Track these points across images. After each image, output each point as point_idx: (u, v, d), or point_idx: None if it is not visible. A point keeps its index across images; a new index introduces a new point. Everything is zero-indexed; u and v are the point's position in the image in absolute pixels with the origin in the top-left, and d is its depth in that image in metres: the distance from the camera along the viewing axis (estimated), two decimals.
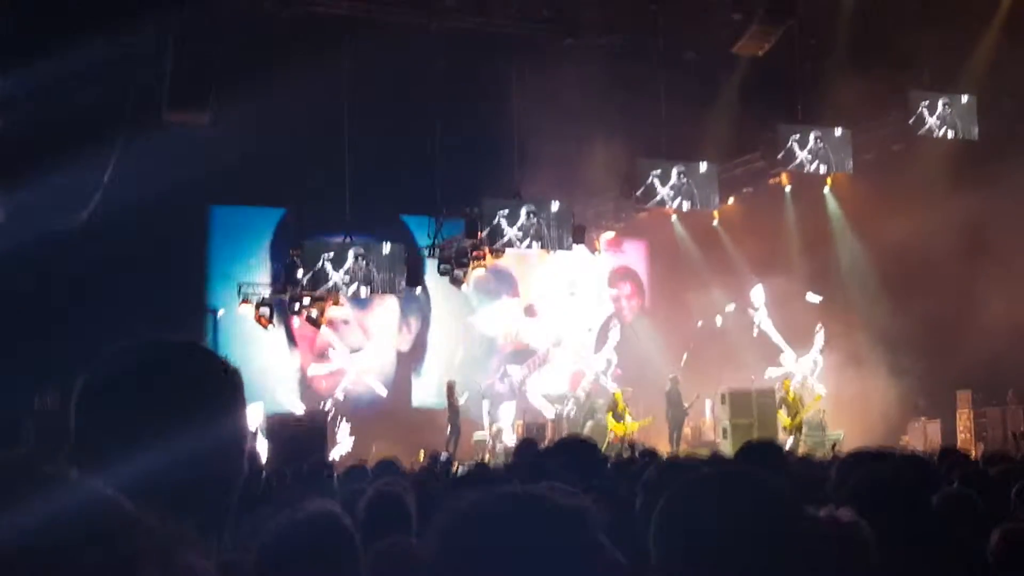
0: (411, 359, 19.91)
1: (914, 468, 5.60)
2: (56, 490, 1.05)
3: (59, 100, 13.08)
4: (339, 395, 18.79)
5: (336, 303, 17.47)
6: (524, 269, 19.61)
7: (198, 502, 1.62)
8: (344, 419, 18.15)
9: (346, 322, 18.92)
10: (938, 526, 3.39)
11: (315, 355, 18.89)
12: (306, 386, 18.70)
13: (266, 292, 17.14)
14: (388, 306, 18.79)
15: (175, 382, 1.65)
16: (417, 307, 19.67)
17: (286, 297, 16.89)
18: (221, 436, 1.66)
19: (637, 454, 9.88)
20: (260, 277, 17.56)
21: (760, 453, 4.88)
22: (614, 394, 18.53)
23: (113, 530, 1.07)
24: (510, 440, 17.65)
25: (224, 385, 1.71)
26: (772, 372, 20.10)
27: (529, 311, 20.44)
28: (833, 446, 16.18)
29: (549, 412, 18.79)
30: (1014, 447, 14.88)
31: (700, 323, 21.55)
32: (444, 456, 13.95)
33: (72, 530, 1.03)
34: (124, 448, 1.56)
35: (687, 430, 19.39)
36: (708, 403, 19.56)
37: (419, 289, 18.20)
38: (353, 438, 18.02)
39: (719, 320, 21.58)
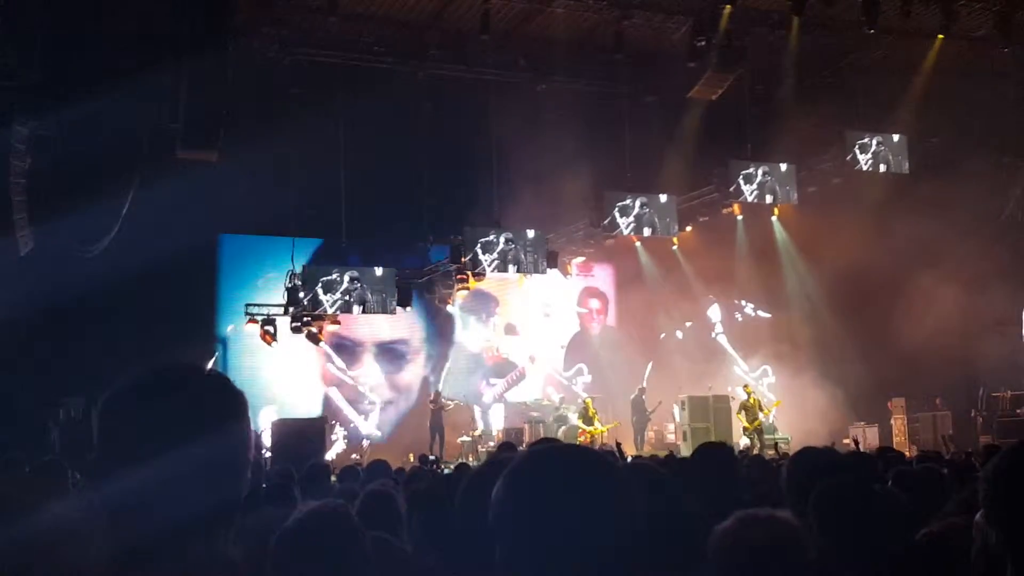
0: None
1: (858, 465, 5.64)
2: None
3: (84, 140, 13.03)
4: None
5: (335, 322, 17.41)
6: (504, 291, 19.57)
7: (206, 504, 1.64)
8: (338, 424, 18.17)
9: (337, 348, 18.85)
10: (874, 518, 3.39)
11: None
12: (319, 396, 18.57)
13: (273, 311, 17.05)
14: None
15: (186, 401, 1.69)
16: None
17: (289, 317, 16.81)
18: (225, 447, 1.69)
19: (621, 452, 9.92)
20: (265, 299, 17.46)
21: (713, 453, 4.89)
22: (584, 401, 18.53)
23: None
24: (492, 443, 17.63)
25: (228, 403, 1.74)
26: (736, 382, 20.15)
27: (509, 329, 20.42)
28: (775, 446, 16.21)
29: (525, 418, 18.73)
30: (944, 448, 14.93)
31: (663, 336, 21.62)
32: (432, 457, 13.91)
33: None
34: (140, 456, 1.58)
35: (651, 434, 19.45)
36: (676, 409, 19.55)
37: (408, 308, 18.10)
38: (346, 440, 18.04)
39: (679, 335, 21.65)
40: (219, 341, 17.79)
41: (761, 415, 18.21)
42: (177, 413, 1.67)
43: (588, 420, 18.03)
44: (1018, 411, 18.00)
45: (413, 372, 19.50)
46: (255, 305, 17.30)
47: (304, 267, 16.89)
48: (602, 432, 17.82)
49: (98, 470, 1.63)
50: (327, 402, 18.68)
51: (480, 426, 18.96)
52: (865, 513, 3.24)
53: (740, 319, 21.80)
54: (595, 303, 21.81)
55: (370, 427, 18.67)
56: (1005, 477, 1.90)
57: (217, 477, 1.67)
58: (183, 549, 1.63)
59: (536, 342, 20.57)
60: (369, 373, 19.06)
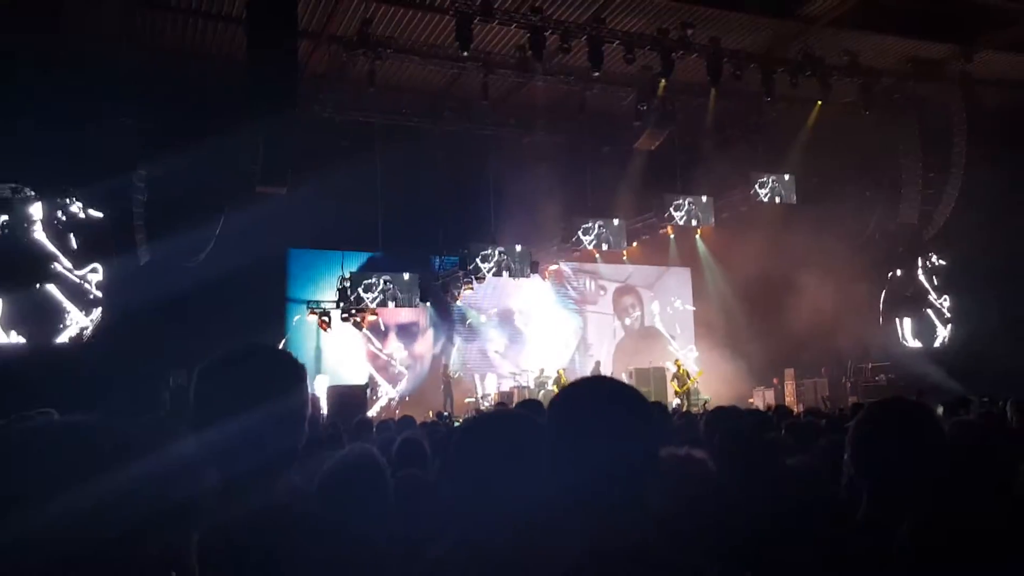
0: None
1: (758, 417, 5.63)
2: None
3: (186, 179, 12.98)
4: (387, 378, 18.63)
5: (373, 313, 17.37)
6: (498, 290, 19.51)
7: (276, 448, 1.63)
8: (379, 389, 18.12)
9: (380, 325, 18.70)
10: (768, 455, 3.40)
11: (376, 364, 18.56)
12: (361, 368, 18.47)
13: (328, 306, 17.00)
14: (404, 314, 18.58)
15: (259, 368, 1.69)
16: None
17: (339, 311, 16.77)
18: (290, 404, 1.69)
19: None
20: (322, 296, 17.40)
21: (655, 408, 4.88)
22: (558, 371, 18.49)
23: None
24: (490, 402, 17.63)
25: (291, 372, 1.73)
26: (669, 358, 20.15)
27: (503, 317, 20.36)
28: (704, 404, 16.21)
29: (514, 384, 18.68)
30: (822, 406, 14.96)
31: (617, 323, 21.61)
32: (445, 414, 13.87)
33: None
34: (226, 413, 1.57)
35: None
36: (624, 377, 19.55)
37: (428, 304, 18.06)
38: (385, 401, 17.98)
39: (627, 321, 21.66)
40: (287, 328, 17.69)
41: (688, 382, 18.20)
42: (253, 378, 1.68)
43: (561, 386, 18.01)
44: (877, 377, 18.07)
45: (422, 345, 19.37)
46: (314, 301, 17.22)
47: (351, 273, 16.89)
48: None
49: (196, 423, 1.61)
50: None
51: (479, 390, 18.88)
52: (749, 446, 3.28)
53: (671, 311, 21.78)
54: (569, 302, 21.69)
55: (395, 392, 18.52)
56: (861, 427, 1.91)
57: (284, 427, 1.67)
58: (261, 481, 1.61)
59: (523, 327, 20.39)
60: (394, 348, 18.94)
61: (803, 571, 2.05)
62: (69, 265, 14.17)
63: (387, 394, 18.40)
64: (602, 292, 21.43)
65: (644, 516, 1.46)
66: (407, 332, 19.14)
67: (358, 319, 16.83)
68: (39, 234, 14.07)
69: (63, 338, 14.04)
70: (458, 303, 18.99)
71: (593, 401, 1.52)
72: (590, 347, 20.87)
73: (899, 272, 19.46)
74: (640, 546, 1.38)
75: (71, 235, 14.26)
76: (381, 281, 16.73)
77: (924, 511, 1.77)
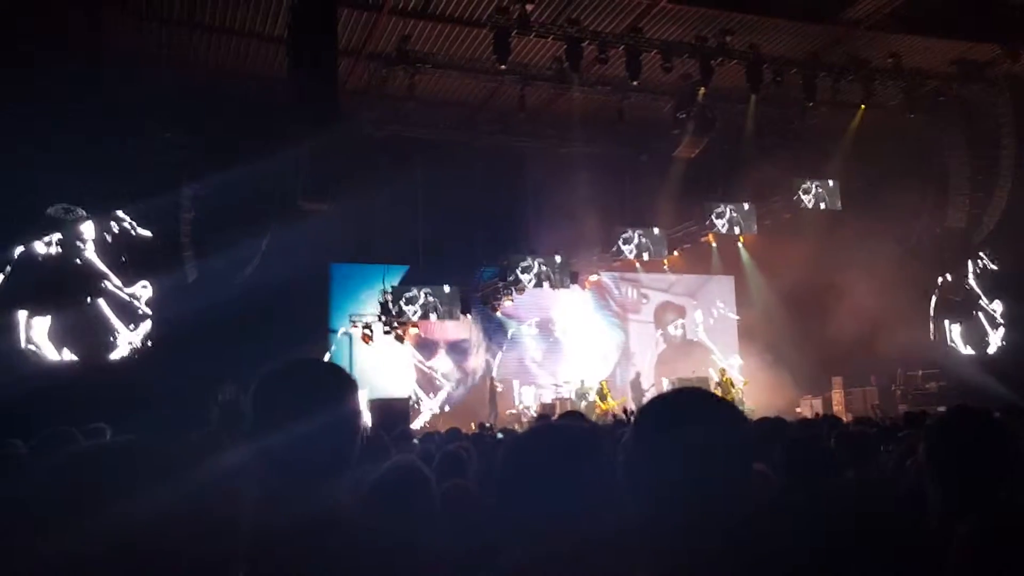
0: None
1: (813, 430, 5.55)
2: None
3: (232, 195, 13.22)
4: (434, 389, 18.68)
5: (415, 326, 17.48)
6: (537, 300, 19.39)
7: (330, 456, 1.65)
8: (422, 403, 18.14)
9: (425, 336, 18.74)
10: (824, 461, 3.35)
11: (420, 377, 18.66)
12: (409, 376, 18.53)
13: (370, 319, 17.12)
14: (445, 325, 18.60)
15: (313, 382, 1.71)
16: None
17: (381, 324, 16.89)
18: (343, 416, 1.71)
19: (629, 416, 9.79)
20: (364, 310, 17.54)
21: None
22: (601, 382, 18.39)
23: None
24: (532, 413, 17.60)
25: (344, 385, 1.76)
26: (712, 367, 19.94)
27: (543, 326, 20.23)
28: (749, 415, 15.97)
29: (556, 395, 18.61)
30: (873, 414, 14.67)
31: (659, 333, 21.40)
32: (488, 424, 13.88)
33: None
34: (283, 421, 1.59)
35: None
36: (667, 385, 19.38)
37: (469, 315, 18.07)
38: (431, 413, 18.00)
39: (671, 330, 21.45)
40: (331, 342, 17.85)
41: (732, 391, 17.98)
42: (308, 391, 1.70)
43: (603, 397, 17.90)
44: (927, 385, 17.66)
45: (475, 361, 19.35)
46: (357, 315, 17.36)
47: (392, 287, 17.01)
48: (613, 406, 17.67)
49: (253, 432, 1.64)
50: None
51: (517, 400, 18.79)
52: (815, 459, 3.23)
53: (714, 320, 21.55)
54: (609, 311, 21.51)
55: (434, 404, 18.48)
56: (939, 429, 1.89)
57: (338, 435, 1.69)
58: (315, 488, 1.64)
59: (565, 337, 20.23)
60: (442, 363, 18.96)
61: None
62: (119, 283, 14.49)
63: (429, 408, 18.44)
64: (644, 300, 21.24)
65: (722, 538, 1.38)
66: (455, 346, 19.20)
67: (400, 332, 16.95)
68: (90, 253, 14.42)
69: (114, 355, 14.34)
70: (498, 314, 19.01)
71: (689, 415, 1.41)
72: (632, 355, 20.70)
73: (948, 277, 19.03)
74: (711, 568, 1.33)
75: (121, 253, 14.59)
76: (422, 294, 16.84)
77: (986, 514, 1.73)
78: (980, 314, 18.96)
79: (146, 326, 14.62)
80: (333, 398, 1.71)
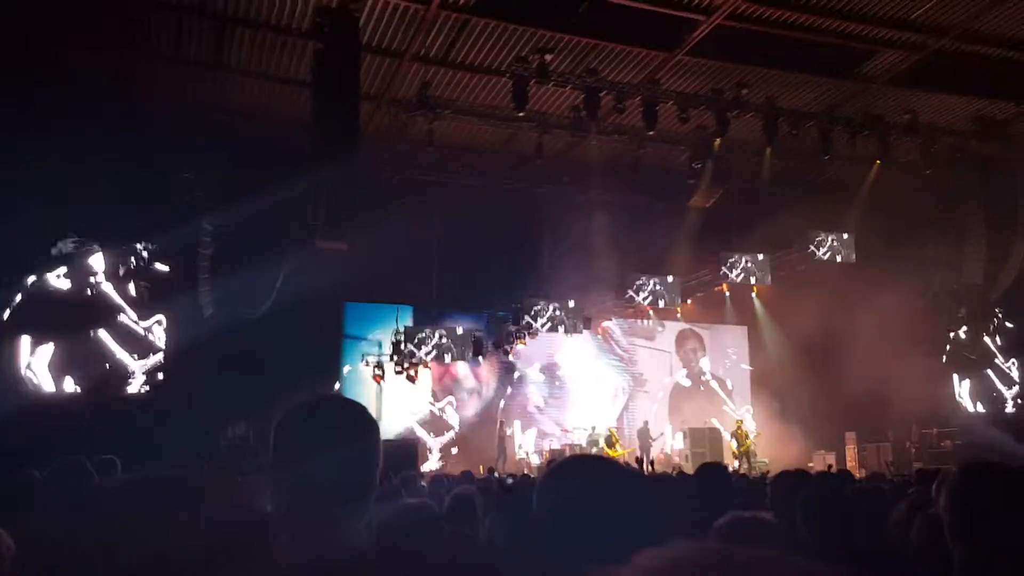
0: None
1: (835, 480, 5.54)
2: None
3: (249, 232, 13.41)
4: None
5: (426, 367, 17.51)
6: (545, 344, 19.34)
7: (350, 492, 1.69)
8: (431, 447, 18.05)
9: (438, 377, 18.72)
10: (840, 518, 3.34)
11: (431, 422, 18.61)
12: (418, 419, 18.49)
13: (382, 359, 17.18)
14: (457, 368, 18.60)
15: (339, 419, 1.76)
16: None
17: (393, 364, 16.93)
18: (366, 453, 1.75)
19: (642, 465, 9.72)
20: (375, 349, 17.61)
21: (712, 470, 4.85)
22: (610, 429, 18.29)
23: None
24: (537, 460, 17.53)
25: (365, 422, 1.80)
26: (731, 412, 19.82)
27: (548, 370, 20.15)
28: (762, 469, 15.80)
29: (566, 441, 18.51)
30: (886, 470, 14.50)
31: (674, 360, 21.29)
32: (496, 473, 13.81)
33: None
34: (304, 457, 1.64)
35: (661, 455, 19.07)
36: (679, 436, 19.25)
37: (481, 358, 18.09)
38: (440, 455, 17.89)
39: (691, 366, 21.37)
40: (340, 379, 17.89)
41: (747, 443, 17.86)
42: (331, 427, 1.74)
43: (611, 444, 17.79)
44: (942, 443, 17.45)
45: (483, 404, 19.31)
46: (369, 354, 17.43)
47: (405, 327, 17.09)
48: (622, 454, 17.56)
49: (277, 466, 1.68)
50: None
51: (520, 447, 18.67)
52: (838, 513, 3.20)
53: (726, 370, 21.45)
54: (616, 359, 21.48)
55: (437, 444, 18.36)
56: (963, 488, 1.91)
57: (359, 472, 1.73)
58: (335, 525, 1.67)
59: (575, 384, 20.20)
60: (449, 405, 18.93)
61: None
62: (135, 316, 14.66)
63: (434, 448, 18.36)
64: (660, 328, 21.12)
65: None
66: (464, 388, 19.19)
67: (411, 372, 16.98)
68: (106, 286, 14.61)
69: (125, 389, 14.43)
70: (510, 357, 19.02)
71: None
72: (646, 383, 20.61)
73: (961, 333, 18.92)
74: None
75: (137, 286, 14.77)
76: (435, 335, 16.91)
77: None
78: (993, 372, 18.79)
79: (156, 359, 14.73)
80: (354, 436, 1.76)
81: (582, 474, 1.68)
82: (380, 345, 17.68)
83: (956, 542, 1.89)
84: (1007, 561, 1.80)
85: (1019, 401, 18.38)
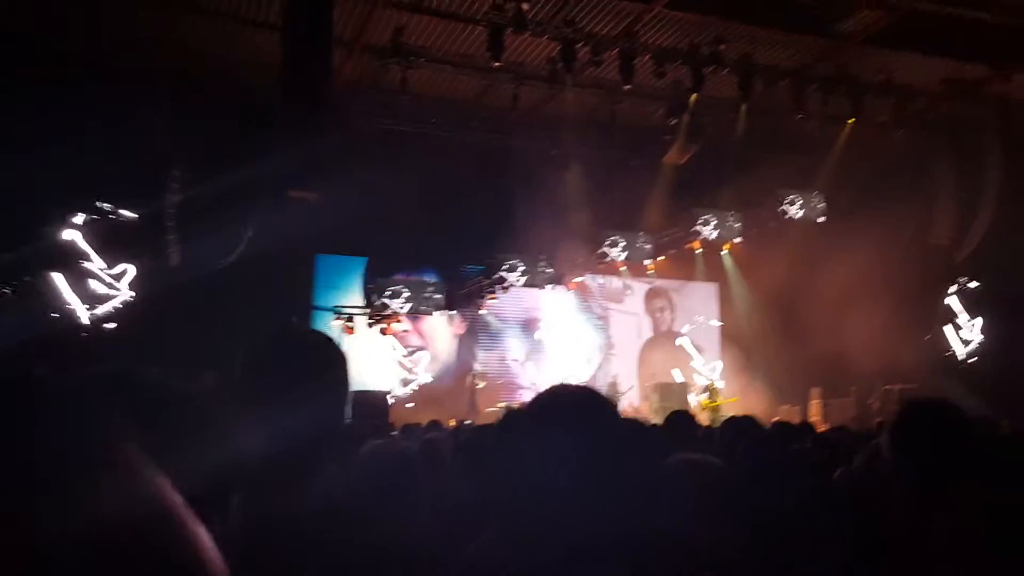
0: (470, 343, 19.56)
1: (785, 432, 5.65)
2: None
3: (220, 180, 13.19)
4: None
5: (398, 321, 17.48)
6: (520, 299, 19.43)
7: (318, 425, 1.66)
8: (402, 399, 18.08)
9: (407, 331, 18.69)
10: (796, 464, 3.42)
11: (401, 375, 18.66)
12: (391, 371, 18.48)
13: (353, 311, 17.13)
14: (428, 320, 18.60)
15: (307, 348, 1.72)
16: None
17: (366, 316, 16.90)
18: (337, 389, 1.72)
19: None
20: (348, 302, 17.54)
21: (680, 419, 4.93)
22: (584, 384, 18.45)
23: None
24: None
25: (333, 351, 1.77)
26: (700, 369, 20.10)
27: (526, 326, 20.27)
28: (714, 422, 16.11)
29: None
30: (849, 424, 14.80)
31: (643, 322, 21.48)
32: (468, 422, 13.93)
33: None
34: (271, 388, 1.61)
35: (629, 409, 19.26)
36: (636, 391, 19.55)
37: (453, 312, 18.11)
38: (411, 407, 17.91)
39: (659, 325, 21.58)
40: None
41: (718, 399, 18.17)
42: (298, 357, 1.70)
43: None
44: (905, 398, 17.85)
45: (455, 358, 19.36)
46: (340, 307, 17.36)
47: (377, 280, 17.04)
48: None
49: (243, 393, 1.65)
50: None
51: (502, 403, 18.81)
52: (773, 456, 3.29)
53: (696, 326, 21.65)
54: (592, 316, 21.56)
55: (403, 392, 18.29)
56: (901, 419, 1.96)
57: (327, 403, 1.70)
58: (303, 459, 1.63)
59: (545, 336, 20.28)
60: (421, 358, 18.94)
61: (838, 568, 2.09)
62: (103, 264, 14.42)
63: (405, 401, 18.41)
64: (628, 291, 21.26)
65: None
66: (436, 342, 19.21)
67: (383, 325, 16.97)
68: (71, 232, 14.32)
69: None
70: (481, 312, 19.04)
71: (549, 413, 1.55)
72: (614, 347, 20.79)
73: (930, 292, 19.27)
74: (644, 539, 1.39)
75: (103, 234, 14.50)
76: (406, 288, 16.86)
77: (967, 504, 1.80)
78: (955, 331, 19.21)
79: (112, 304, 14.41)
80: (328, 369, 1.73)
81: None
82: (356, 297, 17.61)
83: (897, 477, 1.94)
84: (940, 487, 1.85)
85: (978, 357, 18.82)
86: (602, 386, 19.51)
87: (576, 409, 1.53)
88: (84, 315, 14.25)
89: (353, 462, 2.82)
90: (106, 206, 14.49)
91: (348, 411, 1.83)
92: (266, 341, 1.78)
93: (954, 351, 19.05)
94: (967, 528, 1.76)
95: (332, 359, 1.79)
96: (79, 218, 14.34)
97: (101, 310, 14.39)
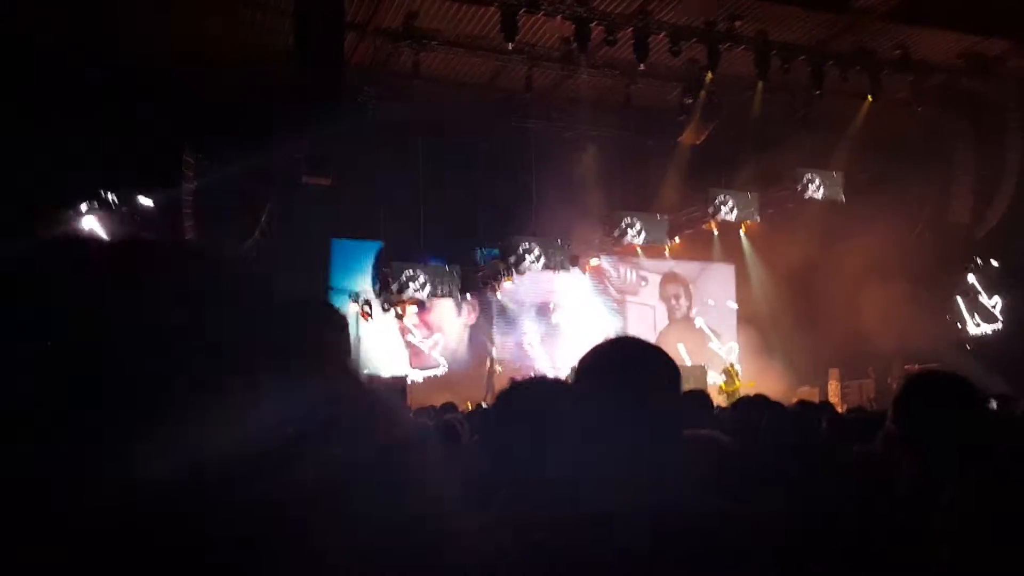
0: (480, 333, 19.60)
1: (802, 412, 5.64)
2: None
3: (235, 165, 13.26)
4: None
5: (413, 304, 17.56)
6: (536, 283, 19.34)
7: (321, 396, 1.64)
8: (420, 384, 18.16)
9: (415, 325, 18.78)
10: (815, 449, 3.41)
11: (418, 360, 18.78)
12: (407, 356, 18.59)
13: (369, 296, 17.21)
14: (443, 305, 18.66)
15: (309, 313, 1.72)
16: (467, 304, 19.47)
17: (381, 300, 16.98)
18: (337, 350, 1.71)
19: None
20: (364, 287, 17.62)
21: (696, 396, 4.92)
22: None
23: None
24: None
25: (338, 318, 1.77)
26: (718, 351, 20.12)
27: (542, 310, 20.24)
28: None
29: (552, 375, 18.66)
30: (869, 406, 14.74)
31: (658, 314, 21.43)
32: (484, 405, 13.97)
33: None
34: (276, 360, 1.60)
35: None
36: None
37: (469, 295, 18.15)
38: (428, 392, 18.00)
39: (674, 313, 21.51)
40: None
41: (736, 383, 18.14)
42: (302, 321, 1.70)
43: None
44: None
45: (473, 342, 19.41)
46: (355, 292, 17.46)
47: (392, 264, 17.06)
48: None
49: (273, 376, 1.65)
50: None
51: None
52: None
53: (713, 306, 21.57)
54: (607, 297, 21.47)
55: (421, 376, 18.38)
56: (908, 392, 1.95)
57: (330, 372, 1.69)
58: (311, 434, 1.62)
59: (562, 318, 20.25)
60: (438, 342, 19.01)
61: (843, 547, 2.08)
62: None
63: (423, 386, 18.48)
64: (643, 283, 21.21)
65: (669, 483, 1.47)
66: (453, 325, 19.25)
67: (399, 309, 17.04)
68: (89, 220, 14.44)
69: None
70: (497, 295, 19.06)
71: (617, 365, 1.55)
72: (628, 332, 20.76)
73: (950, 271, 19.09)
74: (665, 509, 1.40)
75: (120, 222, 14.61)
76: (422, 272, 16.89)
77: (969, 478, 1.78)
78: (976, 308, 19.02)
79: None
80: (326, 333, 1.73)
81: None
82: (371, 281, 17.67)
83: (904, 453, 1.93)
84: (946, 461, 1.83)
85: (999, 334, 18.62)
86: None
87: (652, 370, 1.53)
88: None
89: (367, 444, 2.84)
90: (123, 194, 14.58)
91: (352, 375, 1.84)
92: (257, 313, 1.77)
93: (967, 329, 18.88)
94: (965, 504, 1.75)
95: (337, 322, 1.80)
96: (94, 206, 14.44)
97: None
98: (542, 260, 17.22)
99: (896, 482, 1.96)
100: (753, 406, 5.06)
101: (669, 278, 21.38)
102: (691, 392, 5.33)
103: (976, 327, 18.82)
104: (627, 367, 1.50)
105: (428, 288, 16.85)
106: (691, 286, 21.49)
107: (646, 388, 1.46)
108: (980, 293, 19.04)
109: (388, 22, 14.11)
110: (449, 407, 7.36)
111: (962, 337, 18.79)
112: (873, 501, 2.06)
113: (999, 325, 18.69)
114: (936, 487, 1.83)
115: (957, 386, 1.96)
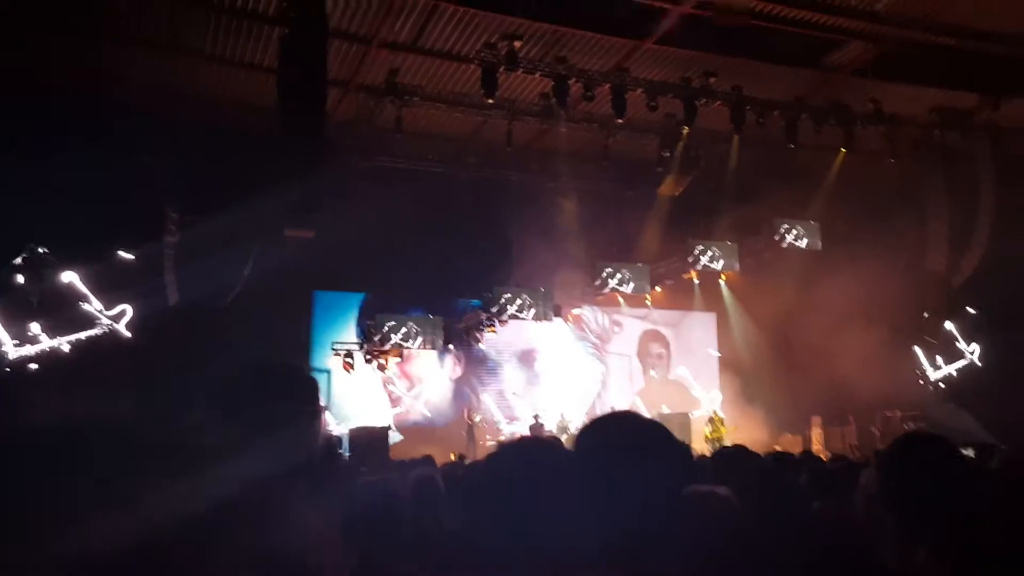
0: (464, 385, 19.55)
1: (783, 464, 5.65)
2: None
3: (217, 220, 13.29)
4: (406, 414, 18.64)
5: (396, 356, 17.50)
6: (518, 332, 19.39)
7: (286, 460, 1.62)
8: (401, 435, 18.01)
9: (399, 376, 18.73)
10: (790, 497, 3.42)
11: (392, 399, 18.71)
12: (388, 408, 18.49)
13: (351, 347, 17.15)
14: (425, 358, 18.64)
15: (275, 381, 1.73)
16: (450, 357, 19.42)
17: (363, 352, 16.93)
18: (308, 423, 1.72)
19: None
20: (346, 338, 17.59)
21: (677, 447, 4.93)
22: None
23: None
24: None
25: (306, 382, 1.77)
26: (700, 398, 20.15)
27: (524, 358, 20.26)
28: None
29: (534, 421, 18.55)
30: (851, 453, 14.78)
31: (634, 365, 21.47)
32: (468, 460, 13.86)
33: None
34: (241, 418, 1.61)
35: None
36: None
37: (451, 346, 18.13)
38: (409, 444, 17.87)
39: (652, 373, 21.56)
40: (312, 370, 17.77)
41: (721, 429, 18.16)
42: (268, 389, 1.71)
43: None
44: (905, 426, 17.78)
45: (453, 393, 19.35)
46: (338, 343, 17.38)
47: (375, 316, 17.07)
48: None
49: (209, 424, 1.65)
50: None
51: (504, 436, 18.72)
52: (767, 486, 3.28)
53: (697, 356, 21.66)
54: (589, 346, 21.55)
55: (405, 433, 18.29)
56: (890, 459, 2.00)
57: (303, 446, 1.69)
58: (286, 502, 1.61)
59: (544, 371, 20.28)
60: (417, 391, 18.93)
61: None
62: (100, 306, 14.48)
63: (404, 437, 18.34)
64: (616, 329, 21.24)
65: (673, 551, 1.49)
66: (432, 376, 19.19)
67: (381, 360, 16.98)
68: (70, 276, 14.38)
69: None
70: (480, 346, 19.05)
71: (620, 435, 1.58)
72: (608, 388, 20.76)
73: (926, 318, 19.29)
74: None
75: (101, 276, 14.57)
76: (405, 323, 16.90)
77: (951, 541, 1.82)
78: (954, 357, 19.19)
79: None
80: (295, 396, 1.72)
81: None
82: (354, 333, 17.65)
83: (884, 512, 1.97)
84: (927, 526, 1.88)
85: (977, 382, 18.75)
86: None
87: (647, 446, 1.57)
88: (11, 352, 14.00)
89: (340, 497, 2.86)
90: (105, 248, 14.54)
91: (343, 445, 1.84)
92: (240, 369, 1.78)
93: (927, 375, 19.05)
94: (940, 565, 1.80)
95: (303, 384, 1.79)
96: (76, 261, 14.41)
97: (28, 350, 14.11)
98: (526, 310, 17.29)
99: (874, 540, 2.00)
100: (731, 458, 5.09)
101: (650, 335, 21.46)
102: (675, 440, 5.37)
103: (936, 370, 19.00)
104: (630, 449, 1.54)
105: (411, 339, 16.84)
106: (673, 333, 21.58)
107: (650, 468, 1.50)
108: (957, 340, 19.24)
109: (371, 79, 14.34)
110: (427, 459, 7.33)
111: (926, 382, 18.97)
112: (852, 557, 2.10)
113: (964, 361, 18.84)
114: (912, 547, 1.88)
115: (940, 449, 2.01)
